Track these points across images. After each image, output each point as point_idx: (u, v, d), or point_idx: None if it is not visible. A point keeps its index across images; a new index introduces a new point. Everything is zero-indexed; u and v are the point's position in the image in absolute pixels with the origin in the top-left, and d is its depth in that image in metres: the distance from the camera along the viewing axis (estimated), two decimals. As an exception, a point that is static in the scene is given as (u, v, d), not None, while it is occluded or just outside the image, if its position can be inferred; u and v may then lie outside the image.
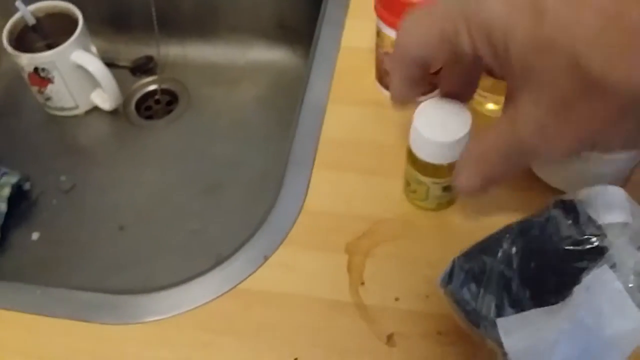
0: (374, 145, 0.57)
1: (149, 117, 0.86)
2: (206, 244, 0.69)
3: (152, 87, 0.88)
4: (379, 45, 0.56)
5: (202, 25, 0.89)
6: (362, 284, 0.49)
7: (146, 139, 0.83)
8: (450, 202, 0.52)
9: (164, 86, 0.87)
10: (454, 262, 0.44)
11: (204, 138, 0.82)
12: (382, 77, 0.59)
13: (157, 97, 0.87)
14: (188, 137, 0.82)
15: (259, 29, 0.87)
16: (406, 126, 0.56)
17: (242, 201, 0.73)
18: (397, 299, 0.48)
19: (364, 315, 0.48)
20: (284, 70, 0.87)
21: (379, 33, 0.55)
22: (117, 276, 0.67)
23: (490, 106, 0.58)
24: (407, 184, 0.51)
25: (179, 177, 0.77)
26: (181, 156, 0.80)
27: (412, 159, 0.48)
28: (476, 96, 0.56)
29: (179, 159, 0.79)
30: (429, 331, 0.47)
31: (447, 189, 0.50)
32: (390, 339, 0.47)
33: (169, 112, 0.85)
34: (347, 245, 0.51)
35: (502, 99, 0.50)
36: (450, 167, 0.46)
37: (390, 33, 0.53)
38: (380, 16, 0.53)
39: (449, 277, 0.44)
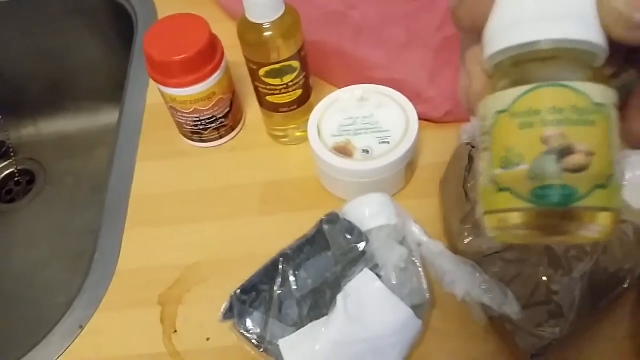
0: (183, 195, 0.60)
1: (12, 200, 0.87)
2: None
3: (10, 170, 0.89)
4: (167, 101, 0.59)
5: (50, 102, 0.91)
6: (175, 331, 0.51)
7: (10, 223, 0.84)
8: None
9: (21, 167, 0.89)
10: (231, 297, 0.46)
11: (66, 210, 0.84)
12: (180, 128, 0.61)
13: (16, 178, 0.88)
14: (51, 213, 0.83)
15: (102, 93, 0.89)
16: (210, 169, 0.59)
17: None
18: (208, 339, 0.51)
19: (178, 362, 0.50)
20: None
21: (160, 91, 0.58)
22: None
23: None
24: None
25: (46, 253, 0.79)
26: (46, 232, 0.81)
27: None
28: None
29: (44, 236, 0.81)
30: (240, 363, 0.49)
31: None
32: (203, 379, 0.49)
33: (30, 191, 0.87)
34: (159, 297, 0.53)
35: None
36: None
37: (165, 90, 0.56)
38: (151, 76, 0.55)
39: (230, 311, 0.46)
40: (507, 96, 0.22)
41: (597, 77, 0.22)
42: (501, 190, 0.21)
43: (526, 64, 0.22)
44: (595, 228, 0.21)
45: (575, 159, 0.20)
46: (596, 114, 0.21)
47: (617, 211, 0.22)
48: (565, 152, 0.20)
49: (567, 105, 0.21)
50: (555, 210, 0.21)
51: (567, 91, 0.21)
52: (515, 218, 0.22)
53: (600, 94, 0.21)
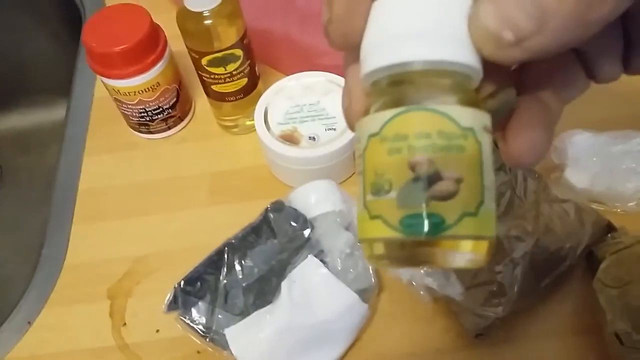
0: (131, 188, 0.59)
1: (-34, 199, 0.85)
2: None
3: (-37, 169, 0.87)
4: (110, 93, 0.58)
5: (2, 98, 0.89)
6: (124, 324, 0.51)
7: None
8: None
9: (-25, 165, 0.87)
10: (175, 288, 0.46)
11: (20, 207, 0.82)
12: (127, 120, 0.60)
13: (-30, 177, 0.87)
14: (5, 210, 0.82)
15: (54, 87, 0.88)
16: (158, 161, 0.59)
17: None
18: (157, 331, 0.50)
19: (127, 355, 0.50)
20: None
21: (103, 83, 0.57)
22: None
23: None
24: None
25: (2, 251, 0.77)
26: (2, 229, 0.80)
27: None
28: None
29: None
30: (189, 353, 0.49)
31: None
32: (152, 371, 0.49)
33: (-16, 189, 0.85)
34: (108, 290, 0.53)
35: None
36: None
37: (107, 82, 0.55)
38: (92, 68, 0.55)
39: (174, 302, 0.46)
40: (377, 119, 0.21)
41: (468, 99, 0.21)
42: (373, 217, 0.21)
43: (399, 84, 0.21)
44: (467, 257, 0.21)
45: (442, 186, 0.20)
46: (464, 138, 0.20)
47: (490, 239, 0.21)
48: (432, 179, 0.20)
49: (434, 130, 0.20)
50: (424, 240, 0.20)
51: (434, 115, 0.20)
52: (388, 247, 0.21)
53: (470, 117, 0.20)
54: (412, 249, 0.21)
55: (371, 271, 0.47)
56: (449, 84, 0.21)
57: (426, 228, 0.19)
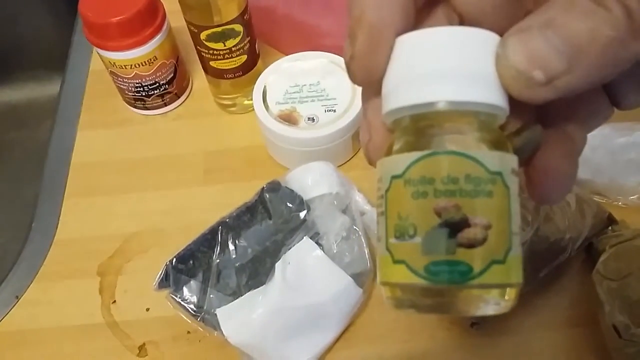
0: (125, 164, 0.58)
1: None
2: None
3: (-46, 141, 0.86)
4: (106, 66, 0.57)
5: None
6: (114, 302, 0.50)
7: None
8: None
9: (-34, 138, 0.86)
10: (166, 265, 0.45)
11: (13, 181, 0.81)
12: (122, 94, 0.59)
13: (-39, 150, 0.85)
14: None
15: (50, 61, 0.86)
16: (153, 138, 0.58)
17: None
18: (147, 310, 0.49)
19: (116, 333, 0.49)
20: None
21: (100, 55, 0.56)
22: None
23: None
24: None
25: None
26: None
27: None
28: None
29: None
30: (179, 333, 0.48)
31: None
32: (141, 349, 0.48)
33: (-23, 162, 0.84)
34: (98, 267, 0.52)
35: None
36: None
37: (104, 54, 0.54)
38: (88, 39, 0.53)
39: (165, 280, 0.45)
40: (401, 161, 0.20)
41: (495, 140, 0.20)
42: (396, 262, 0.20)
43: (423, 124, 0.21)
44: (494, 304, 0.20)
45: (470, 233, 0.19)
46: (492, 183, 0.19)
47: (517, 285, 0.20)
48: (459, 225, 0.19)
49: (461, 174, 0.19)
50: (450, 287, 0.19)
51: (462, 159, 0.19)
52: (411, 293, 0.20)
53: (498, 161, 0.20)
54: (436, 296, 0.20)
55: (367, 255, 0.46)
56: (475, 124, 0.20)
57: (452, 276, 0.19)
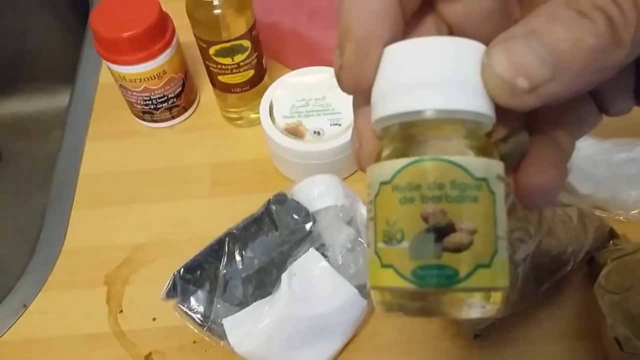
0: (133, 175, 0.59)
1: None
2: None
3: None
4: (116, 80, 0.58)
5: (5, 83, 0.89)
6: (121, 311, 0.51)
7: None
8: None
9: (-25, 149, 0.87)
10: (174, 275, 0.46)
11: (20, 191, 0.82)
12: (131, 107, 0.60)
13: (-30, 160, 0.86)
14: (4, 194, 0.82)
15: (59, 73, 0.87)
16: (161, 150, 0.59)
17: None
18: (154, 319, 0.50)
19: (123, 342, 0.49)
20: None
21: (109, 69, 0.57)
22: None
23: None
24: None
25: (2, 235, 0.77)
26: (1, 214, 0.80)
27: None
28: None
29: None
30: (186, 342, 0.49)
31: None
32: (148, 358, 0.48)
33: (-16, 173, 0.85)
34: (106, 277, 0.53)
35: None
36: None
37: (114, 67, 0.55)
38: (99, 53, 0.54)
39: (173, 290, 0.46)
40: (389, 167, 0.21)
41: (482, 147, 0.21)
42: (384, 266, 0.20)
43: (411, 132, 0.21)
44: (480, 308, 0.20)
45: (455, 238, 0.19)
46: (478, 189, 0.20)
47: (502, 289, 0.20)
48: (445, 230, 0.19)
49: (447, 180, 0.20)
50: (437, 291, 0.20)
51: (448, 166, 0.20)
52: (400, 297, 0.21)
53: (484, 167, 0.20)
54: (424, 300, 0.21)
55: (371, 267, 0.47)
56: (462, 132, 0.21)
57: (439, 280, 0.19)
